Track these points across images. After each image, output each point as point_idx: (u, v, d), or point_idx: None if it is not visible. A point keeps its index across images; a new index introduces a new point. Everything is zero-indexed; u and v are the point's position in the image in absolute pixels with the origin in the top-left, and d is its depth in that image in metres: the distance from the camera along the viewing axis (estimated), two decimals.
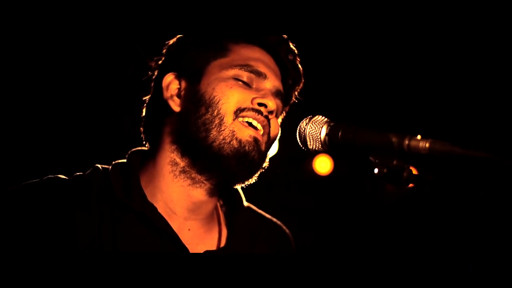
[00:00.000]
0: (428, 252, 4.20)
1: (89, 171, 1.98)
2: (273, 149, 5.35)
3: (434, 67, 4.42)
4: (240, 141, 1.88)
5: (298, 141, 1.71)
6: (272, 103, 1.93)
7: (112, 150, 2.14)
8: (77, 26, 2.73)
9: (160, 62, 2.08)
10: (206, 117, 1.89)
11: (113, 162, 2.00)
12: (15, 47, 3.23)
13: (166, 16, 2.39)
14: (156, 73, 2.08)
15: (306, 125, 1.68)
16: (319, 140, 1.66)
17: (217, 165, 1.90)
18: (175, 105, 1.97)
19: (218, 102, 1.89)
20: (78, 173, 1.97)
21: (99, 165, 1.99)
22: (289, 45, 2.08)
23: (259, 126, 1.93)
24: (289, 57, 2.07)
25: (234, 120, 1.89)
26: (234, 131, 1.88)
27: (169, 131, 1.97)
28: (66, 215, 1.83)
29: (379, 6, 3.58)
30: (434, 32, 3.72)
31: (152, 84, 2.08)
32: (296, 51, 2.08)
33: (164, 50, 2.08)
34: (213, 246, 2.00)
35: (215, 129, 1.88)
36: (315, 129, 1.66)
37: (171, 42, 2.07)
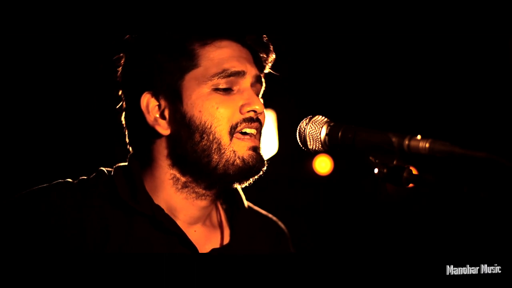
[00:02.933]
0: (428, 252, 4.20)
1: (93, 175, 1.98)
2: (273, 149, 5.34)
3: (434, 67, 4.42)
4: (243, 159, 1.90)
5: (298, 141, 1.71)
6: (259, 106, 1.93)
7: (112, 151, 2.12)
8: (78, 27, 2.72)
9: (122, 63, 2.00)
10: (203, 143, 1.88)
11: (115, 166, 2.00)
12: (17, 53, 3.23)
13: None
14: (125, 93, 2.00)
15: (306, 125, 1.68)
16: (319, 140, 1.66)
17: (223, 181, 1.94)
18: (163, 129, 1.92)
19: (210, 126, 1.88)
20: (83, 177, 1.97)
21: (103, 169, 1.99)
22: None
23: (253, 131, 1.94)
24: (253, 37, 2.02)
25: (231, 139, 1.89)
26: (234, 151, 1.90)
27: (164, 153, 1.94)
28: (76, 219, 1.83)
29: (379, 5, 3.58)
30: (434, 32, 3.72)
31: (124, 104, 2.01)
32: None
33: (123, 64, 2.00)
34: (217, 245, 2.02)
35: (215, 153, 1.89)
36: (315, 129, 1.67)
37: (129, 43, 1.99)
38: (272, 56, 2.06)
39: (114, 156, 2.07)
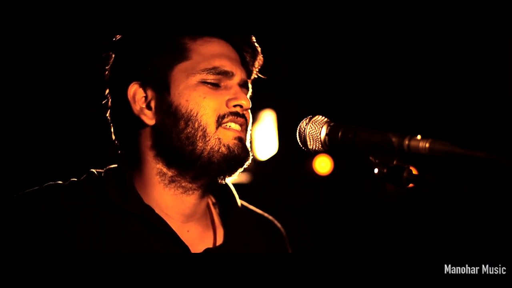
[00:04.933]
0: (428, 252, 4.20)
1: (84, 177, 1.97)
2: (273, 149, 5.34)
3: (434, 67, 4.42)
4: (228, 147, 1.90)
5: (298, 141, 1.71)
6: (246, 102, 1.93)
7: (103, 153, 2.12)
8: (67, 26, 2.71)
9: (111, 63, 2.01)
10: (188, 130, 1.88)
11: (106, 168, 1.99)
12: (7, 55, 3.23)
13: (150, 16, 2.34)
14: (111, 85, 2.01)
15: (306, 125, 1.68)
16: (319, 140, 1.66)
17: (209, 171, 1.92)
18: (148, 119, 1.93)
19: (196, 114, 1.88)
20: (73, 179, 1.96)
21: (93, 170, 1.99)
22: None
23: (238, 127, 1.94)
24: (245, 39, 2.03)
25: (217, 128, 1.90)
26: (219, 138, 1.89)
27: (148, 144, 1.95)
28: (67, 221, 1.83)
29: (379, 5, 3.58)
30: (435, 32, 3.72)
31: (110, 97, 2.02)
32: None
33: (113, 56, 2.01)
34: (210, 245, 2.01)
35: (200, 140, 1.88)
36: (315, 129, 1.66)
37: (118, 42, 2.01)
38: (260, 59, 2.07)
39: (105, 158, 2.06)
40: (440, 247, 4.25)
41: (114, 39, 2.02)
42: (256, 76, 2.10)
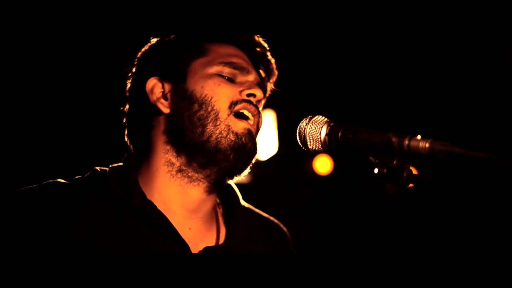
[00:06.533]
0: (428, 252, 4.20)
1: (88, 174, 1.99)
2: (273, 149, 5.34)
3: (435, 67, 4.43)
4: (236, 134, 1.93)
5: (298, 141, 1.71)
6: (259, 92, 1.99)
7: (110, 154, 2.13)
8: (71, 26, 2.72)
9: (134, 69, 2.11)
10: (201, 113, 1.93)
11: (110, 166, 2.01)
12: (12, 52, 3.23)
13: (155, 18, 2.39)
14: (132, 82, 2.10)
15: (306, 125, 1.68)
16: (319, 140, 1.66)
17: (216, 159, 1.93)
18: (164, 107, 1.99)
19: (210, 99, 1.94)
20: (77, 176, 1.98)
21: (97, 168, 2.01)
22: (259, 40, 2.13)
23: (250, 116, 1.98)
24: (260, 51, 2.12)
25: (228, 115, 1.94)
26: (229, 125, 1.93)
27: (160, 132, 1.99)
28: (65, 218, 1.84)
29: (379, 5, 3.59)
30: (434, 32, 3.72)
31: (128, 93, 2.10)
32: (266, 45, 2.14)
33: (137, 58, 2.11)
34: (211, 243, 2.01)
35: (211, 123, 1.92)
36: (315, 129, 1.66)
37: (143, 50, 2.11)
38: (274, 74, 2.16)
39: (110, 157, 2.08)
40: (440, 247, 4.25)
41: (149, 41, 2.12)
42: (271, 93, 2.18)
